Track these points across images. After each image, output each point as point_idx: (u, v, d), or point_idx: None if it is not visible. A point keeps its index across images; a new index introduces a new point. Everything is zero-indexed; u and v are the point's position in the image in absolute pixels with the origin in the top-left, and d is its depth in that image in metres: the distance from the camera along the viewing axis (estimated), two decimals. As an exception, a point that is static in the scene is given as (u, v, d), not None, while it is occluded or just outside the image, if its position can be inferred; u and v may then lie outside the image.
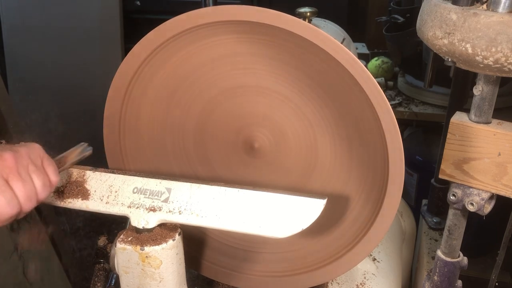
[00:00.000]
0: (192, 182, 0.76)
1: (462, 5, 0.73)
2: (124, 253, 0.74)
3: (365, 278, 0.99)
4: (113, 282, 0.92)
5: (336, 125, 0.78)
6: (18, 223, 1.36)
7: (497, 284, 0.99)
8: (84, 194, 0.78)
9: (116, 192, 0.78)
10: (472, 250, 1.09)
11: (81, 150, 0.81)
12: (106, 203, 0.78)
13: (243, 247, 0.92)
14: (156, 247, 0.72)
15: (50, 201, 0.79)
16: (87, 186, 0.79)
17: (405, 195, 1.87)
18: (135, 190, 0.78)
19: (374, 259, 1.05)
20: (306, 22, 0.69)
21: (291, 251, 0.88)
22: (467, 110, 0.85)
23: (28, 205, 0.65)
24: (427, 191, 1.57)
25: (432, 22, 0.76)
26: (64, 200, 0.79)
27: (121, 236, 0.75)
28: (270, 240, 0.84)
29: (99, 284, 0.89)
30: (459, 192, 0.85)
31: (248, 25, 0.73)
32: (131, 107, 0.86)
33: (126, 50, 2.39)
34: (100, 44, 2.37)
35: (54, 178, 0.70)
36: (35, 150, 0.68)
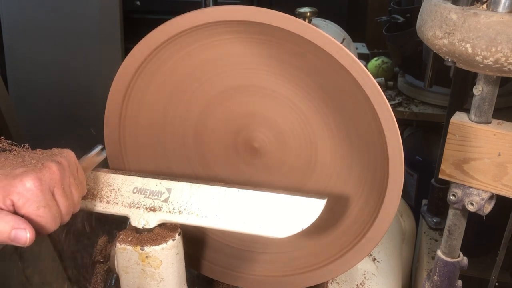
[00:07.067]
0: (192, 182, 0.76)
1: (462, 5, 0.73)
2: (124, 253, 0.74)
3: (365, 278, 0.99)
4: (113, 282, 0.92)
5: (336, 125, 0.78)
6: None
7: (497, 284, 0.98)
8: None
9: (116, 192, 0.78)
10: (472, 250, 1.09)
11: (97, 156, 0.80)
12: (106, 203, 0.78)
13: (243, 247, 0.92)
14: (156, 247, 0.72)
15: None
16: (87, 186, 0.79)
17: (405, 195, 1.87)
18: (135, 190, 0.78)
19: (374, 259, 1.05)
20: (306, 22, 0.69)
21: (291, 251, 0.88)
22: (467, 110, 0.85)
23: (66, 220, 0.62)
24: (427, 191, 1.57)
25: (432, 22, 0.76)
26: None
27: (121, 236, 0.75)
28: (270, 240, 0.84)
29: (99, 284, 0.89)
30: (459, 192, 0.85)
31: (248, 25, 0.73)
32: (131, 107, 0.86)
33: (126, 50, 2.38)
34: (100, 44, 2.37)
35: (85, 190, 0.68)
36: (72, 160, 0.65)
